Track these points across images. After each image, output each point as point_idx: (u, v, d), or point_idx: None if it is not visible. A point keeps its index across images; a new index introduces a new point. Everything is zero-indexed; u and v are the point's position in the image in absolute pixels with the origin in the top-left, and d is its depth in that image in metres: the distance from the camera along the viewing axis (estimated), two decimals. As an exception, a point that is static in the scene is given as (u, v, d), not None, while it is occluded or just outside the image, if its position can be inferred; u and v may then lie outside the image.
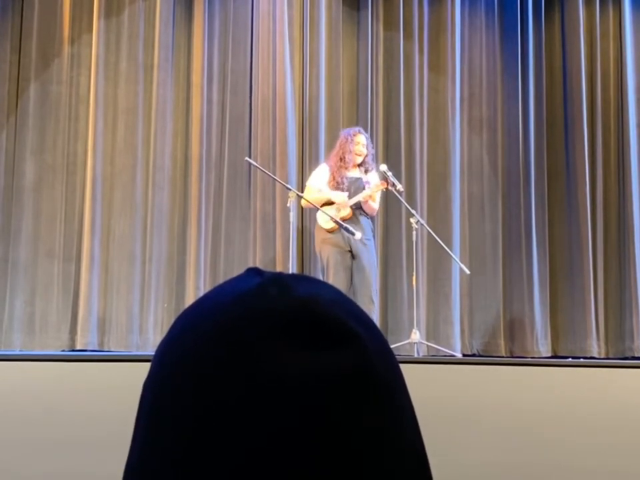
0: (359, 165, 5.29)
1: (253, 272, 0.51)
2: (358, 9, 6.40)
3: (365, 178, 5.25)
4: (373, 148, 5.45)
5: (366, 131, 6.09)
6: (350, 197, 5.16)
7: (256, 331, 0.47)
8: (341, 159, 5.22)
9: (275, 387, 0.45)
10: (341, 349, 0.46)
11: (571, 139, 6.37)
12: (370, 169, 5.32)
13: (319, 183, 5.27)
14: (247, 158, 5.49)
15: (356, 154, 5.22)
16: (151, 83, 6.06)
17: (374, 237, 5.44)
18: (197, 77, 6.13)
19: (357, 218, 5.15)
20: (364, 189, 5.18)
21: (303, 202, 5.29)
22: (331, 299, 0.49)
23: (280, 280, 0.49)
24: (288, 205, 5.13)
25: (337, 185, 5.18)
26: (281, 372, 0.45)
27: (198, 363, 0.47)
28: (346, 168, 5.21)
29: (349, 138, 5.26)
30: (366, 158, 5.29)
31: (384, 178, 5.28)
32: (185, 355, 0.48)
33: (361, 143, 5.25)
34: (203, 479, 0.45)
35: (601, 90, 6.42)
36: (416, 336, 5.07)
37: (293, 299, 0.48)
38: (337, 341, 0.47)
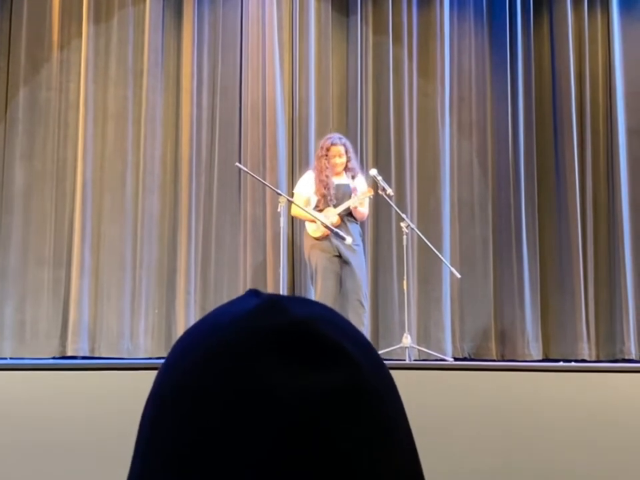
0: (345, 171, 5.30)
1: (252, 293, 0.53)
2: (347, 14, 6.41)
3: (352, 184, 5.25)
4: (354, 152, 5.40)
5: (355, 135, 6.11)
6: (337, 203, 5.17)
7: (253, 350, 0.48)
8: (321, 169, 5.24)
9: (270, 405, 0.46)
10: (335, 368, 0.48)
11: (560, 143, 6.40)
12: (356, 173, 5.31)
13: (306, 192, 5.28)
14: (237, 163, 5.49)
15: (333, 167, 5.21)
16: (141, 87, 6.05)
17: (363, 242, 5.45)
18: (187, 82, 6.13)
19: (345, 224, 5.17)
20: (351, 194, 5.19)
21: (292, 212, 5.31)
22: (326, 319, 0.51)
23: (276, 301, 0.51)
24: (278, 209, 5.14)
25: (323, 193, 5.19)
26: (276, 390, 0.46)
27: (197, 381, 0.49)
28: (328, 176, 5.22)
29: (323, 152, 5.24)
30: (348, 164, 5.27)
31: (373, 182, 5.29)
32: (185, 374, 0.50)
33: (336, 155, 5.21)
34: None
35: (590, 94, 6.45)
36: (407, 340, 5.07)
37: (289, 319, 0.49)
38: (331, 359, 0.48)
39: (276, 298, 0.52)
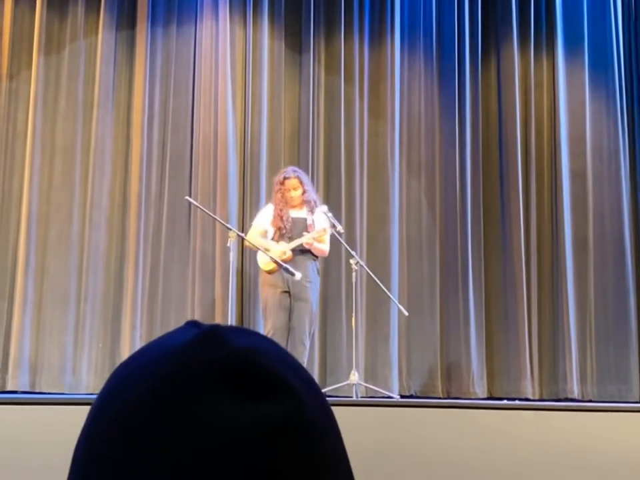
0: (303, 204, 5.29)
1: (191, 325, 0.52)
2: (300, 53, 6.49)
3: (309, 219, 5.26)
4: (310, 184, 5.39)
5: (306, 172, 6.12)
6: (294, 237, 5.17)
7: (191, 384, 0.47)
8: (277, 203, 5.26)
9: (210, 438, 0.45)
10: (276, 401, 0.47)
11: (506, 183, 6.52)
12: (313, 206, 5.29)
13: (263, 223, 5.29)
14: (187, 197, 5.45)
15: (289, 200, 5.21)
16: (90, 120, 6.01)
17: (318, 278, 5.40)
18: (138, 115, 6.11)
19: (299, 259, 5.15)
20: (307, 229, 5.19)
21: (246, 242, 5.30)
22: (267, 351, 0.50)
23: (216, 332, 0.50)
24: (228, 244, 5.12)
25: (279, 226, 5.19)
26: (216, 423, 0.46)
27: (135, 418, 0.47)
28: (282, 210, 5.23)
29: (277, 186, 5.25)
30: (304, 196, 5.28)
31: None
32: (122, 410, 0.48)
33: (290, 188, 5.20)
34: None
35: (535, 136, 6.60)
36: (355, 377, 5.06)
37: (229, 351, 0.49)
38: (272, 392, 0.47)
39: (215, 328, 0.51)
